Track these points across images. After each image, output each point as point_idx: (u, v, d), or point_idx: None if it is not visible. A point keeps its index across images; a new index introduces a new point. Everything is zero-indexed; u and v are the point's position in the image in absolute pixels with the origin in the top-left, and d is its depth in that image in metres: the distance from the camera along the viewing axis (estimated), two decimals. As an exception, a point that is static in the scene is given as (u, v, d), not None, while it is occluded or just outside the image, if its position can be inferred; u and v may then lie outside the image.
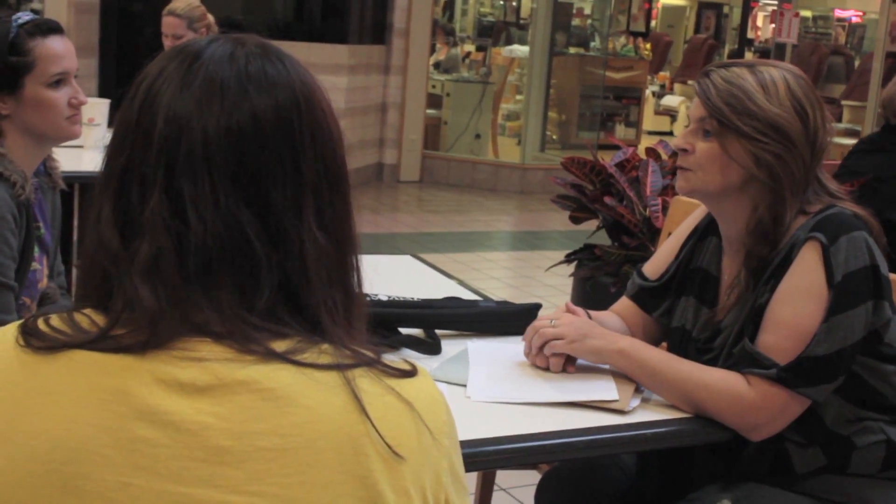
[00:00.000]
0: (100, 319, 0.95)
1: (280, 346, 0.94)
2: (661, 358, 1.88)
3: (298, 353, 0.94)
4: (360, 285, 1.04)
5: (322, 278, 0.98)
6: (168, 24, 4.56)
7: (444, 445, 0.98)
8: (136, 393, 0.91)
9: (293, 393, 0.92)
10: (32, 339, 0.94)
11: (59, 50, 2.21)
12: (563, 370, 1.92)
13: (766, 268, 1.88)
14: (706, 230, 2.08)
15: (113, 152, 0.99)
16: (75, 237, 3.78)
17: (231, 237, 0.94)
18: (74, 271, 3.03)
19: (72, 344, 0.93)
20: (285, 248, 0.97)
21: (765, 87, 1.84)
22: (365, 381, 0.95)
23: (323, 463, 0.90)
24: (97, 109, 3.95)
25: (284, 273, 0.96)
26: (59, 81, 2.21)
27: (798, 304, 1.80)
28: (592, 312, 2.07)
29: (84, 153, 3.80)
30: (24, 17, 2.20)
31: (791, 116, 1.84)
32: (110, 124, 3.96)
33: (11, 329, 0.97)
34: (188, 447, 0.89)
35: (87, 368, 0.92)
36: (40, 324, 0.96)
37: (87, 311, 0.97)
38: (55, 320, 0.96)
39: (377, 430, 0.92)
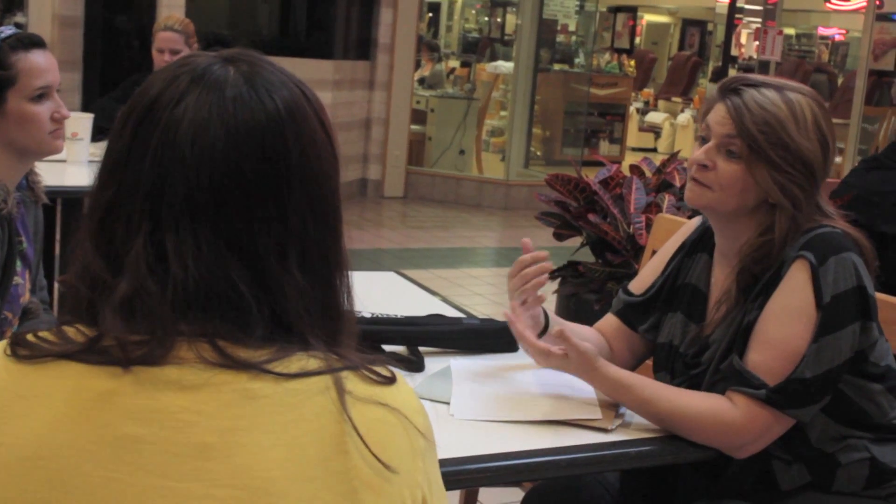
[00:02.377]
0: (87, 330, 0.96)
1: (266, 353, 0.95)
2: (647, 385, 1.86)
3: (285, 358, 0.95)
4: (349, 303, 1.05)
5: (305, 315, 0.99)
6: (167, 39, 4.56)
7: (422, 446, 1.00)
8: (122, 392, 0.92)
9: (277, 392, 0.93)
10: (18, 349, 0.96)
11: (41, 64, 2.21)
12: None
13: (756, 283, 1.88)
14: (694, 246, 2.08)
15: (101, 182, 1.00)
16: (57, 252, 3.76)
17: (216, 283, 0.95)
18: (56, 286, 3.01)
19: (58, 353, 0.95)
20: (271, 288, 0.97)
21: (796, 117, 1.84)
22: (350, 384, 0.96)
23: (306, 459, 0.92)
24: (80, 124, 3.93)
25: (272, 310, 0.97)
26: (41, 96, 2.21)
27: (787, 323, 1.81)
28: (568, 324, 2.06)
29: (67, 168, 3.78)
30: (6, 31, 2.20)
31: (816, 149, 1.85)
32: (93, 139, 3.94)
33: (1, 343, 0.99)
34: (173, 443, 0.91)
35: (73, 373, 0.94)
36: (29, 336, 0.97)
37: (76, 324, 0.98)
38: (43, 332, 0.98)
39: (362, 439, 0.94)
